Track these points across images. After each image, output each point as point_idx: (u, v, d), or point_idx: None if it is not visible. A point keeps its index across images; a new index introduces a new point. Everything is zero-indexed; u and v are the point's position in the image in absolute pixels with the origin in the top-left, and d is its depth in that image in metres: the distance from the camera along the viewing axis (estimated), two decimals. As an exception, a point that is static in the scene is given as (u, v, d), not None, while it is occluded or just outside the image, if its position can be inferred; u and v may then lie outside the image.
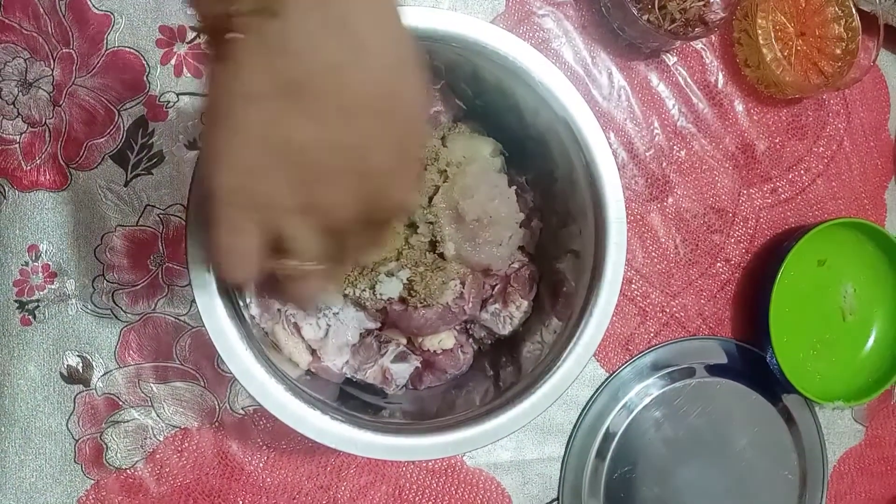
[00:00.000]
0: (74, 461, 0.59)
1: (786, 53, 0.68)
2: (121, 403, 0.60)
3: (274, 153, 0.33)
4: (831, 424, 0.73)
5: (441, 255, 0.58)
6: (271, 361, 0.50)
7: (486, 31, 0.53)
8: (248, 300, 0.55)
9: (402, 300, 0.56)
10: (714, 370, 0.71)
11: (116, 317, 0.59)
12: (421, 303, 0.55)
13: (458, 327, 0.60)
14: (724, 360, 0.71)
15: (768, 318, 0.66)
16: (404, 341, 0.59)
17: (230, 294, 0.49)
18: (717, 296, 0.70)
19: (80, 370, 0.59)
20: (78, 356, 0.59)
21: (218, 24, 0.31)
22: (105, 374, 0.59)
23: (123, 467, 0.60)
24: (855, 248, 0.71)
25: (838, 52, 0.69)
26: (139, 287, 0.59)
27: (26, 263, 0.58)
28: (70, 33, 0.58)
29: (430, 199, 0.57)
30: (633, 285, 0.68)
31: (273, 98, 0.32)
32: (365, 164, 0.34)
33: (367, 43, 0.32)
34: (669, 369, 0.70)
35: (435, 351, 0.58)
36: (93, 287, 0.59)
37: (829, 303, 0.72)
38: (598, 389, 0.68)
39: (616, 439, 0.68)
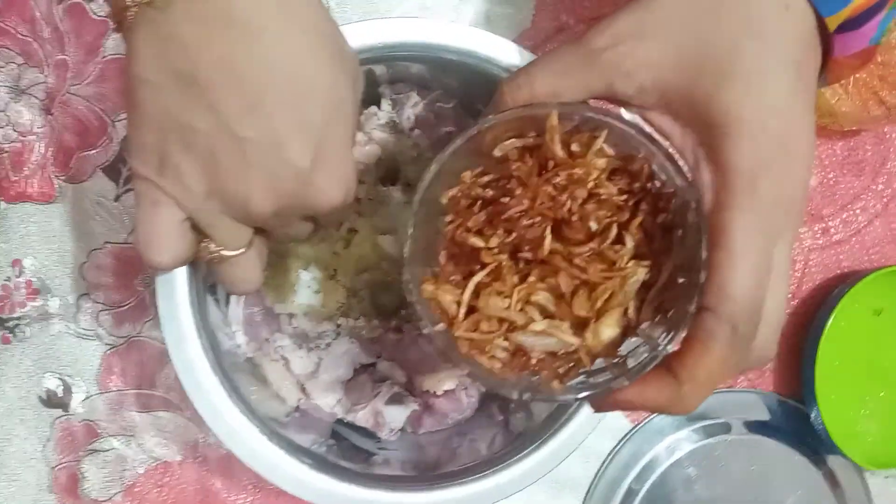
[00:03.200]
0: (49, 490, 0.56)
1: (842, 81, 0.61)
2: (100, 431, 0.56)
3: (176, 138, 0.33)
4: (884, 493, 0.65)
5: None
6: (248, 400, 0.46)
7: (505, 49, 0.48)
8: (233, 328, 0.52)
9: (398, 329, 0.52)
10: (753, 427, 0.64)
11: (100, 339, 0.56)
12: (416, 330, 0.51)
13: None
14: (764, 415, 0.65)
15: (813, 371, 0.60)
16: (403, 380, 0.54)
17: (205, 323, 0.45)
18: (757, 345, 0.63)
19: (60, 394, 0.56)
20: (58, 379, 0.56)
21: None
22: (86, 399, 0.56)
23: (100, 499, 0.56)
24: (916, 298, 0.64)
25: (903, 80, 0.62)
26: (125, 308, 0.56)
27: (9, 279, 0.56)
28: (66, 39, 0.56)
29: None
30: (662, 329, 0.62)
31: (169, 85, 0.32)
32: (275, 158, 0.34)
33: (263, 34, 0.32)
34: (703, 423, 0.64)
35: (435, 392, 0.53)
36: (77, 306, 0.56)
37: (885, 357, 0.65)
38: (620, 441, 0.63)
39: (640, 496, 0.62)
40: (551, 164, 0.34)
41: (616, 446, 0.62)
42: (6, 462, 0.56)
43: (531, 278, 0.34)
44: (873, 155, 0.65)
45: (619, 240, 0.34)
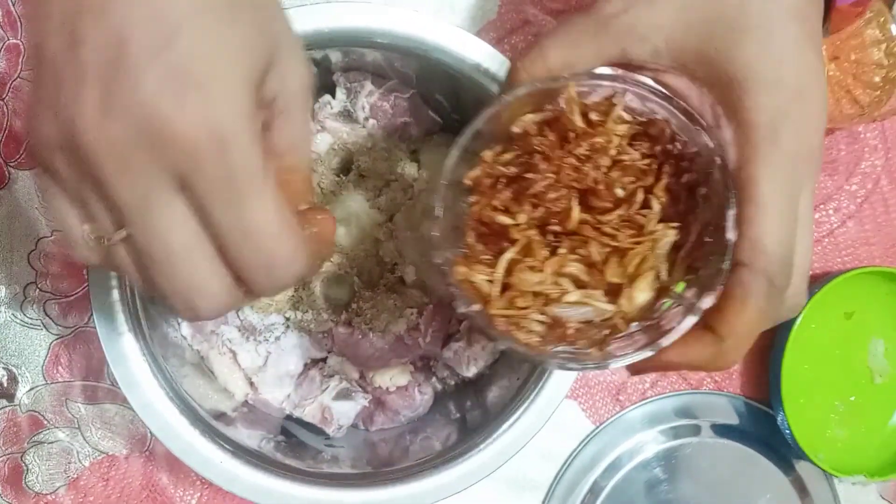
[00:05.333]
0: (-8, 482, 0.55)
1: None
2: (45, 423, 0.55)
3: (36, 79, 0.28)
4: (852, 498, 0.64)
5: (401, 280, 0.52)
6: (184, 392, 0.45)
7: (465, 41, 0.47)
8: (179, 319, 0.50)
9: (349, 323, 0.51)
10: (721, 430, 0.63)
11: (47, 328, 0.55)
12: (367, 325, 0.50)
13: (418, 364, 0.54)
14: (733, 419, 0.63)
15: (780, 375, 0.59)
16: (355, 376, 0.53)
17: (143, 314, 0.44)
18: (724, 345, 0.62)
19: (5, 384, 0.55)
20: (4, 368, 0.55)
21: None
22: (31, 389, 0.55)
23: (44, 492, 0.55)
24: (889, 301, 0.62)
25: (877, 79, 0.61)
26: (72, 298, 0.55)
27: (-45, 266, 0.55)
28: (19, 24, 0.55)
29: (391, 217, 0.52)
30: (626, 328, 0.61)
31: (35, 22, 0.27)
32: (115, 58, 0.26)
33: None
34: (670, 424, 0.62)
35: (387, 388, 0.52)
36: (24, 295, 0.55)
37: (855, 361, 0.63)
38: (582, 442, 0.61)
39: (602, 497, 0.61)
40: (572, 135, 0.34)
41: (577, 447, 0.61)
42: (-51, 452, 0.55)
43: (562, 250, 0.34)
44: (847, 154, 0.64)
45: (646, 204, 0.34)
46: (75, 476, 0.55)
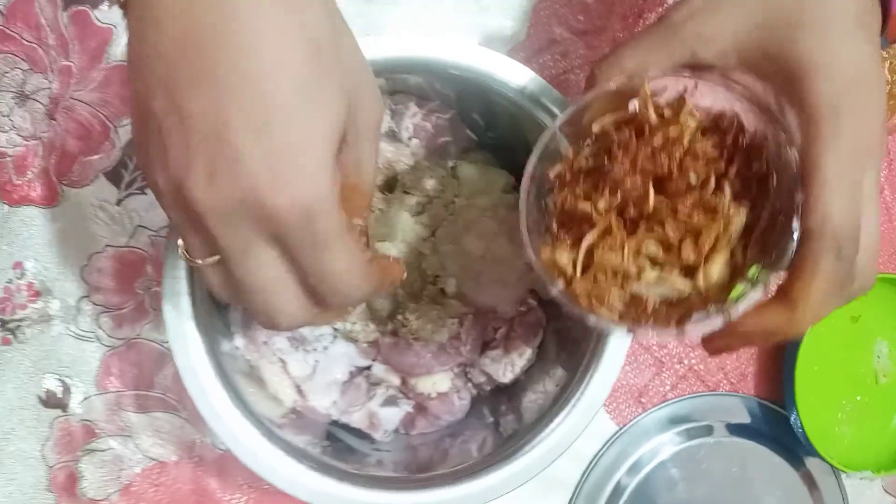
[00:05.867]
0: (47, 489, 0.57)
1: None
2: (98, 431, 0.57)
3: (143, 126, 0.31)
4: (859, 494, 0.67)
5: (442, 291, 0.55)
6: (247, 400, 0.47)
7: (499, 62, 0.49)
8: (231, 330, 0.53)
9: (394, 333, 0.53)
10: (735, 429, 0.66)
11: (99, 340, 0.57)
12: (412, 334, 0.52)
13: (455, 370, 0.56)
14: (745, 419, 0.66)
15: (793, 376, 0.62)
16: (397, 382, 0.55)
17: (207, 328, 0.46)
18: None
19: (59, 394, 0.57)
20: (58, 379, 0.57)
21: None
22: (84, 399, 0.57)
23: (97, 499, 0.57)
24: (891, 305, 0.66)
25: (881, 95, 0.64)
26: (125, 311, 0.57)
27: (10, 281, 0.56)
28: (70, 45, 0.56)
29: (434, 231, 0.55)
30: (648, 334, 0.64)
31: (139, 72, 0.30)
32: (218, 137, 0.29)
33: (238, 13, 0.29)
34: (686, 426, 0.65)
35: (429, 395, 0.55)
36: (77, 308, 0.57)
37: (861, 363, 0.67)
38: (606, 443, 0.64)
39: (624, 497, 0.64)
40: (647, 128, 0.37)
41: (602, 448, 0.64)
42: (5, 461, 0.56)
43: (640, 231, 0.36)
44: (853, 167, 0.67)
45: (719, 188, 0.37)
46: (127, 482, 0.57)
